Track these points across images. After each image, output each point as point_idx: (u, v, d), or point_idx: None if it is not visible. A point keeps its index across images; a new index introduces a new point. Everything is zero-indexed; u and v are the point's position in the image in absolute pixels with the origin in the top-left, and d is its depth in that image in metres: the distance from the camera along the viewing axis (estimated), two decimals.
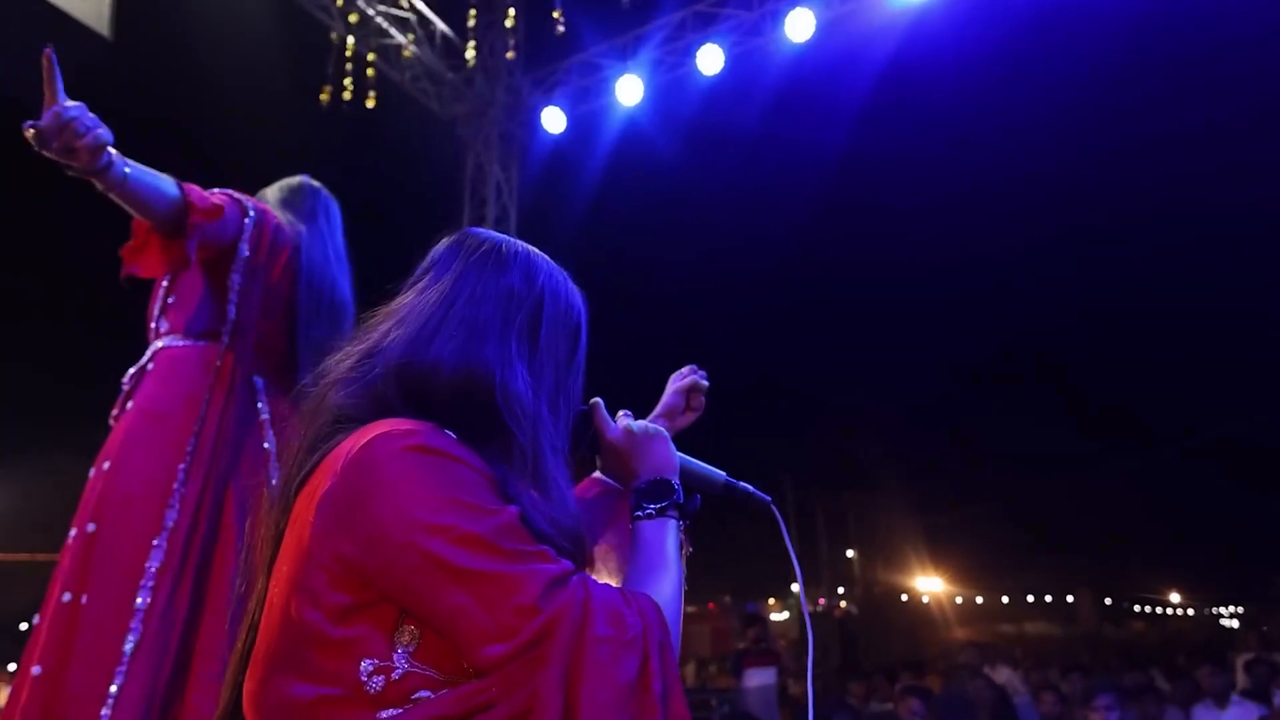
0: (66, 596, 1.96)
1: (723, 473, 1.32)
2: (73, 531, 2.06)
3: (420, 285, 1.05)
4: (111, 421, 2.25)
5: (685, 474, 1.22)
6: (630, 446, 1.17)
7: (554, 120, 9.26)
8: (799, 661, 11.78)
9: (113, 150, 1.79)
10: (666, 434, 1.20)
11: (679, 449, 1.25)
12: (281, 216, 2.36)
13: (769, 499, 1.33)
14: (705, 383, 1.52)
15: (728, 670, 12.24)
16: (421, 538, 0.80)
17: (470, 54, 8.61)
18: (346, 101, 8.02)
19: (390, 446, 0.84)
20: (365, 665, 0.80)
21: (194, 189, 2.03)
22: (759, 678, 9.78)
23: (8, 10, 5.64)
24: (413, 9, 8.61)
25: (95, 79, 6.18)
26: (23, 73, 5.60)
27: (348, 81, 8.07)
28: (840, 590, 27.25)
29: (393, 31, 8.43)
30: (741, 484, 1.32)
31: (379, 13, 8.28)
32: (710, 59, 8.58)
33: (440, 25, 8.92)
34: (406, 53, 8.46)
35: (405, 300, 1.04)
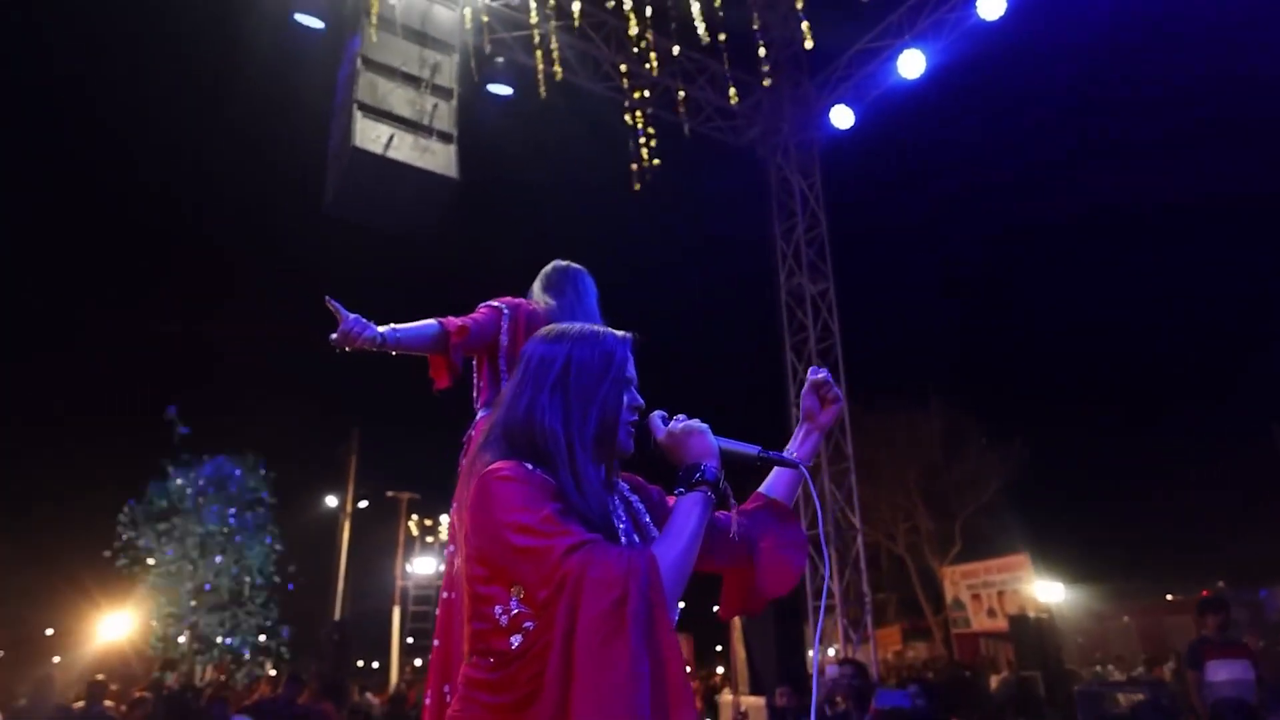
0: (445, 594, 3.07)
1: (756, 447, 1.66)
2: (445, 550, 3.26)
3: (513, 376, 1.66)
4: (459, 471, 3.45)
5: (725, 454, 1.58)
6: (672, 444, 1.56)
7: (842, 117, 9.66)
8: None
9: (381, 329, 2.91)
10: (702, 427, 1.57)
11: None
12: (541, 298, 3.30)
13: (799, 462, 1.68)
14: (820, 376, 1.83)
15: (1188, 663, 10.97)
16: (501, 531, 1.33)
17: (733, 95, 9.41)
18: (653, 166, 9.36)
19: (489, 478, 1.41)
20: (497, 609, 1.33)
21: (449, 320, 3.06)
22: (1226, 671, 8.88)
23: (381, 174, 7.92)
24: (687, 59, 9.74)
25: (452, 210, 8.33)
26: (407, 218, 7.79)
27: (648, 142, 9.44)
28: None
29: (674, 85, 9.64)
30: (772, 453, 1.67)
31: (660, 75, 9.55)
32: (991, 4, 8.32)
33: (716, 65, 9.91)
34: (683, 110, 9.58)
35: (509, 387, 1.66)
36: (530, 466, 1.43)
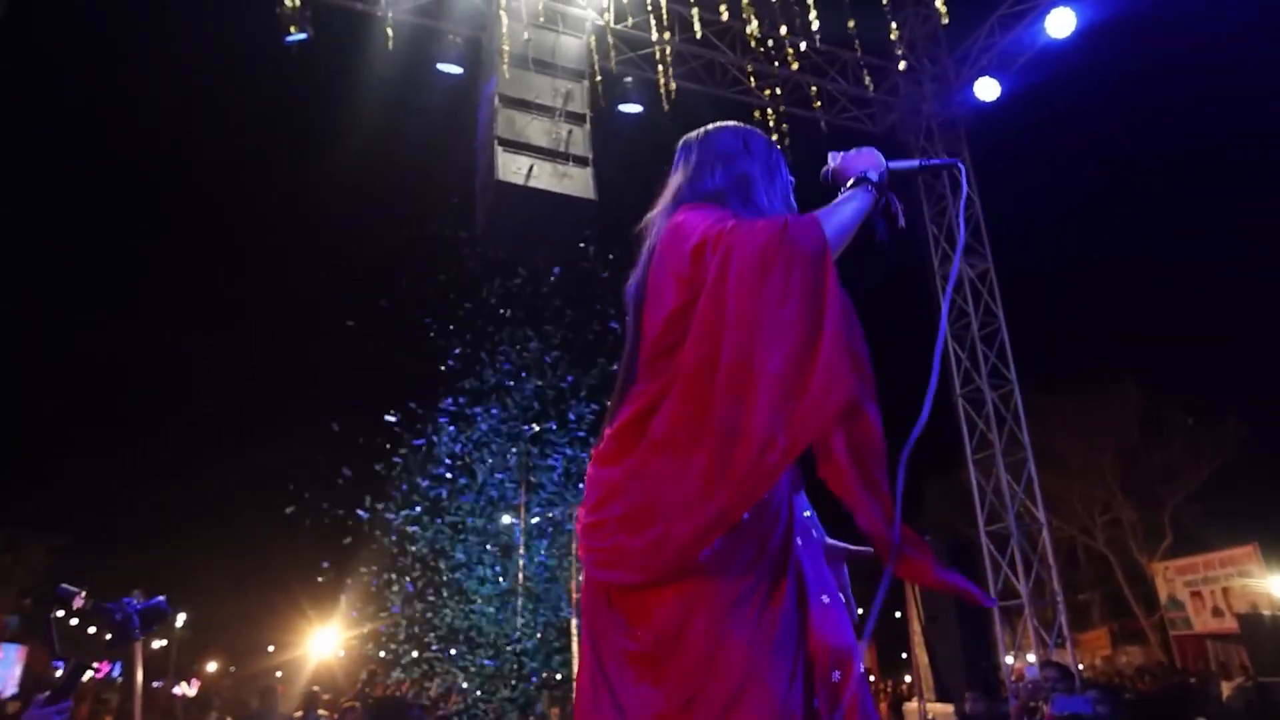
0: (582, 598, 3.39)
1: (916, 160, 1.83)
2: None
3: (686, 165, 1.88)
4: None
5: (891, 172, 1.72)
6: (844, 165, 1.74)
7: (987, 89, 9.26)
8: None
9: None
10: (864, 148, 1.76)
11: None
12: None
13: (956, 160, 1.84)
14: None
15: None
16: (688, 241, 1.55)
17: (869, 80, 9.21)
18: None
19: (681, 211, 1.67)
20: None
21: None
22: None
23: (525, 203, 8.36)
24: (815, 52, 9.66)
25: (593, 226, 8.64)
26: (553, 244, 8.19)
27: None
28: None
29: (804, 81, 9.58)
30: (931, 160, 1.85)
31: (788, 71, 9.53)
32: None
33: (847, 53, 9.77)
34: (818, 104, 9.50)
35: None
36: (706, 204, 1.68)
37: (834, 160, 1.76)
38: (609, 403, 1.76)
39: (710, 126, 1.91)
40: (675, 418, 1.42)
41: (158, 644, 24.54)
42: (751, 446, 1.31)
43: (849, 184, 1.64)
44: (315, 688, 11.01)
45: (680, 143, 1.92)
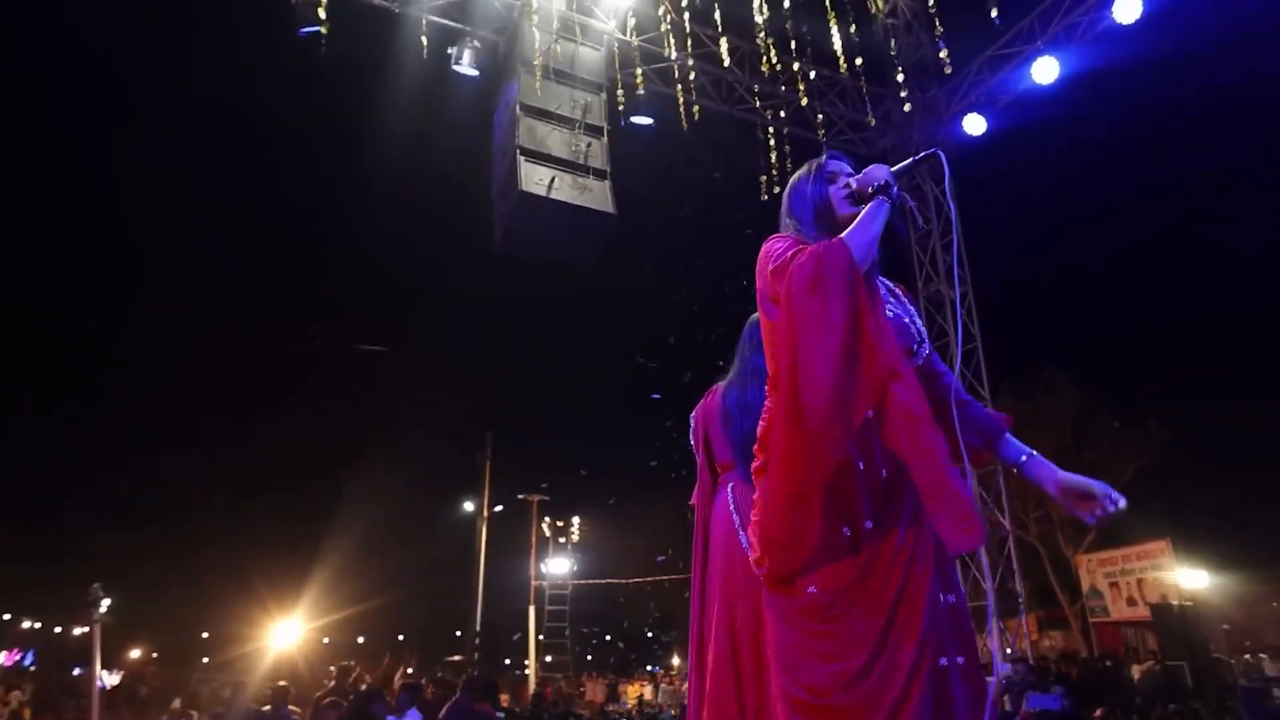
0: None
1: (909, 159, 2.24)
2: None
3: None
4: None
5: (896, 174, 2.13)
6: (860, 182, 2.14)
7: (974, 124, 10.18)
8: None
9: None
10: (871, 166, 2.17)
11: None
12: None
13: (936, 150, 2.21)
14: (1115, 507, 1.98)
15: None
16: (767, 266, 2.06)
17: (848, 107, 10.00)
18: (785, 180, 10.10)
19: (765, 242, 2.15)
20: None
21: None
22: None
23: (546, 214, 8.81)
24: (818, 76, 10.39)
25: (610, 237, 9.18)
26: (572, 253, 8.73)
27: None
28: None
29: (797, 100, 10.32)
30: (917, 155, 2.22)
31: (790, 93, 10.24)
32: (1128, 6, 8.72)
33: (846, 80, 10.54)
34: (818, 128, 10.25)
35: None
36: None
37: (854, 181, 2.23)
38: None
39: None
40: (777, 412, 1.88)
41: (79, 631, 23.95)
42: (818, 418, 1.80)
43: (870, 193, 2.10)
44: (282, 682, 11.20)
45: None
